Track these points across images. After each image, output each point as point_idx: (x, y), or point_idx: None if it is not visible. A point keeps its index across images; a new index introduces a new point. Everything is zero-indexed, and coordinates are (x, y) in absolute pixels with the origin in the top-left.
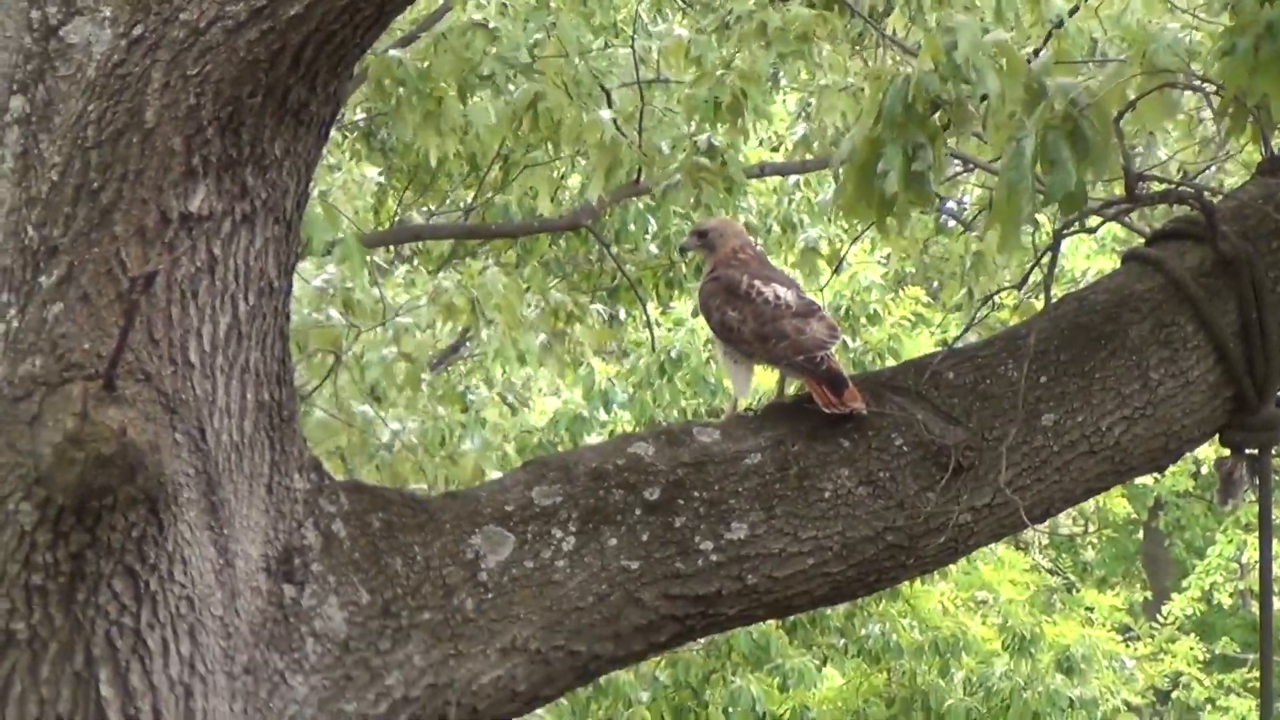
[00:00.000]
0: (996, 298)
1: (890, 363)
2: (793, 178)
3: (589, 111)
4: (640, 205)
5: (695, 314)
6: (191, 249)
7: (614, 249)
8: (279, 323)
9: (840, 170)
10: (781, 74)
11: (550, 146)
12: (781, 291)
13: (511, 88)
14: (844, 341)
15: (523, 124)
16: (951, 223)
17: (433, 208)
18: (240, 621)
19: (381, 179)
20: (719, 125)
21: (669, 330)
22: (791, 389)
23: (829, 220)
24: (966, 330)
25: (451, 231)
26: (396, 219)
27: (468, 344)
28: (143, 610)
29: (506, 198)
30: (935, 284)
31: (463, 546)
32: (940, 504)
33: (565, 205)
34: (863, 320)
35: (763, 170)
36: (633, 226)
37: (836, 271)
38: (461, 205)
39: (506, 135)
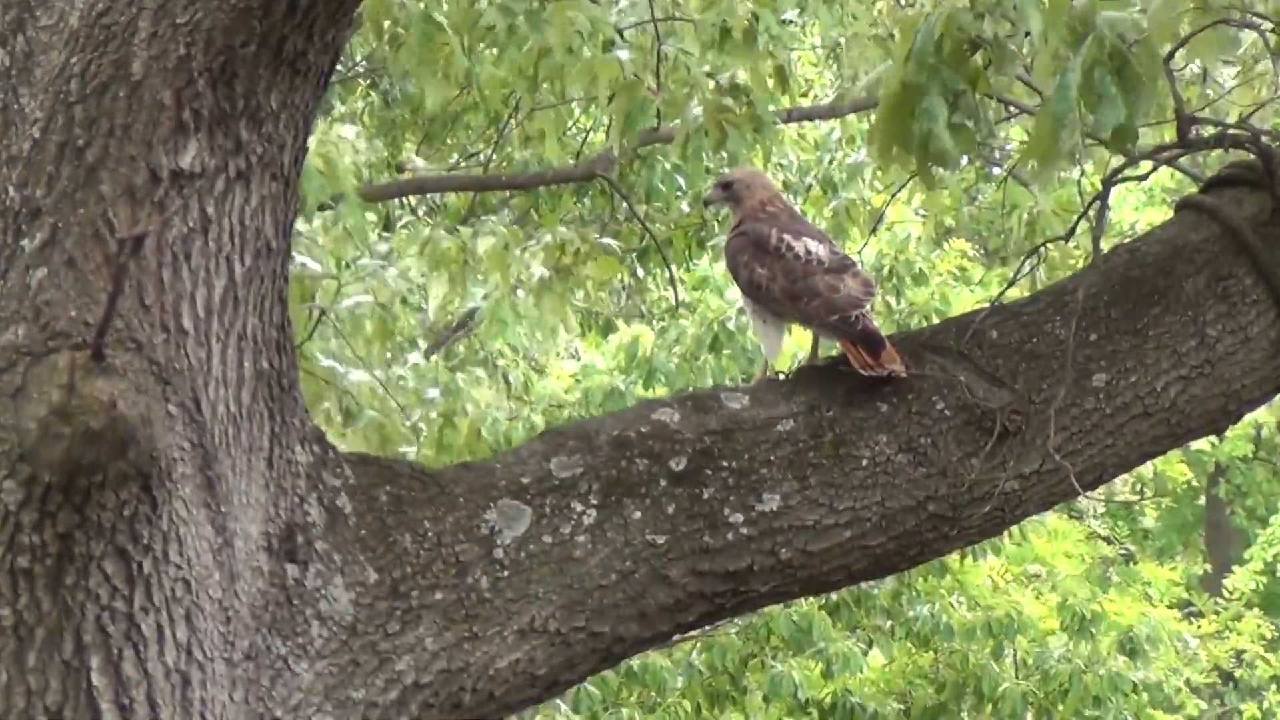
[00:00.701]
0: (1042, 250)
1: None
2: (835, 133)
3: (603, 51)
4: (669, 165)
5: (723, 274)
6: (183, 208)
7: (641, 208)
8: (277, 286)
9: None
10: (804, 14)
11: (558, 89)
12: (813, 246)
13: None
14: (888, 303)
15: (534, 71)
16: (995, 171)
17: (453, 161)
18: (240, 604)
19: (363, 134)
20: (734, 58)
21: (694, 290)
22: (826, 350)
23: (865, 182)
24: (1010, 285)
25: (458, 183)
26: (402, 173)
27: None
28: (136, 594)
29: (524, 154)
30: (980, 236)
31: (476, 521)
32: (985, 471)
33: (583, 156)
34: (907, 280)
35: (790, 115)
36: (662, 185)
37: (874, 231)
38: (481, 159)
39: (512, 84)
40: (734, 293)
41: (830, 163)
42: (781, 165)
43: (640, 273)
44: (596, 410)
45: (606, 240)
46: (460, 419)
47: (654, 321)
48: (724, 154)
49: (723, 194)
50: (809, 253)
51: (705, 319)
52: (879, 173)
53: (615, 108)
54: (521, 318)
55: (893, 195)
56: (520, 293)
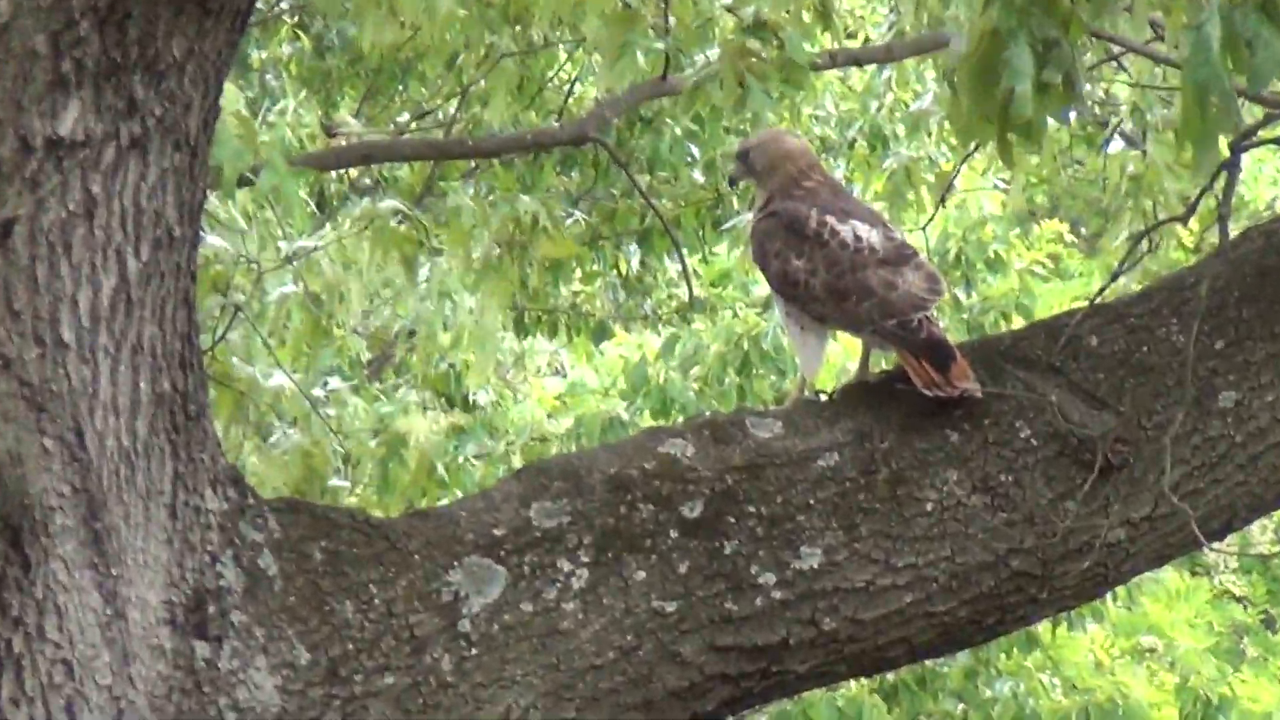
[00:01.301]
0: (1154, 234)
1: (1017, 324)
2: (886, 71)
3: None
4: (679, 130)
5: (747, 267)
6: (62, 186)
7: (643, 179)
8: (182, 285)
9: (954, 77)
10: None
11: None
12: (863, 230)
13: None
14: (955, 298)
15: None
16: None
17: (403, 123)
18: (136, 693)
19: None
20: None
21: (712, 287)
22: (879, 364)
23: (930, 136)
24: (1114, 278)
25: (413, 150)
26: (332, 137)
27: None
28: (3, 680)
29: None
30: (1078, 215)
31: (437, 585)
32: (1083, 516)
33: (568, 116)
34: (979, 266)
35: (834, 59)
36: (669, 153)
37: (941, 203)
38: (440, 117)
39: (477, 22)
40: (762, 289)
41: (879, 110)
42: (816, 118)
43: (638, 261)
44: (592, 445)
45: (574, 213)
46: (409, 452)
47: (660, 325)
48: (748, 114)
49: (741, 167)
50: (858, 238)
51: (730, 332)
52: (947, 125)
53: (605, 48)
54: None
55: (965, 157)
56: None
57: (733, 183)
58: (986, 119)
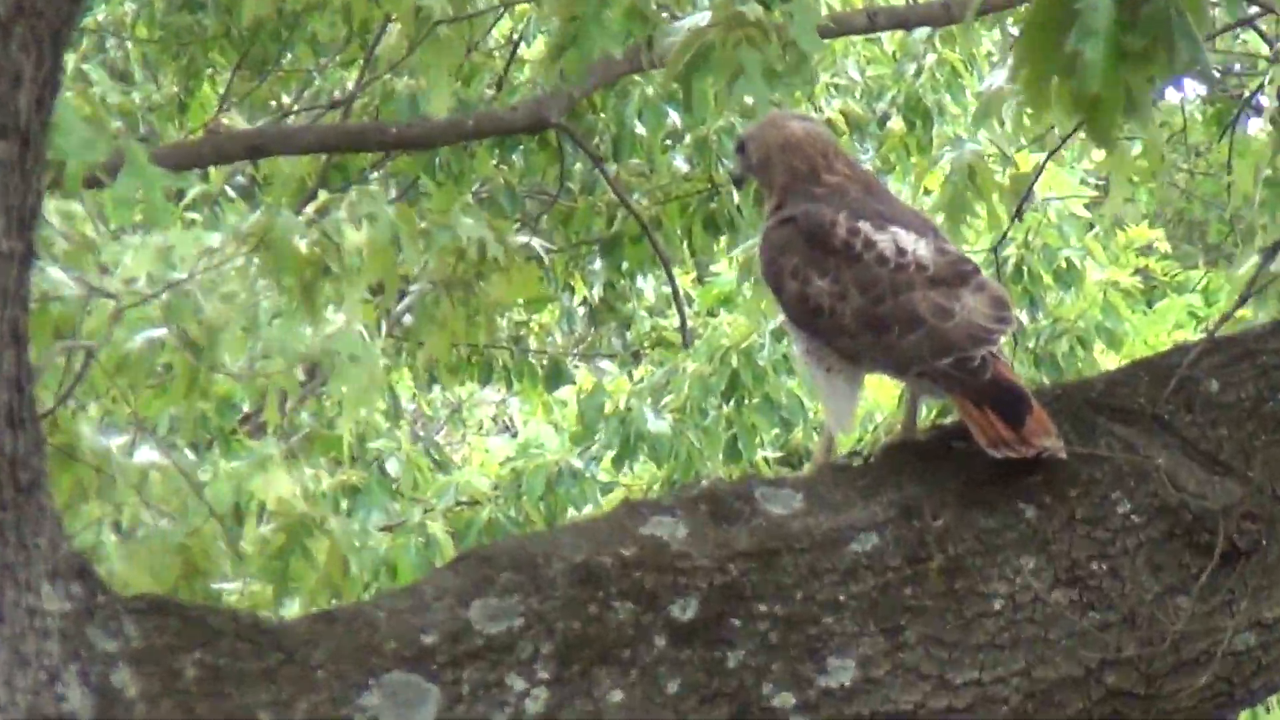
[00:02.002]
0: None
1: (1105, 359)
2: (919, 30)
3: None
4: (653, 89)
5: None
6: None
7: (611, 166)
8: (10, 315)
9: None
10: None
11: None
12: (908, 240)
13: None
14: (1019, 323)
15: None
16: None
17: (286, 103)
18: None
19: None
20: None
21: (708, 318)
22: (928, 416)
23: (1002, 125)
24: (1242, 303)
25: (318, 139)
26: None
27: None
28: None
29: (411, 85)
30: (1187, 218)
31: (347, 710)
32: (1200, 617)
33: (510, 92)
34: (1046, 281)
35: (874, 20)
36: (639, 127)
37: (1018, 215)
38: (337, 93)
39: None
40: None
41: (918, 75)
42: (836, 87)
43: (600, 284)
44: (536, 510)
45: (532, 242)
46: (315, 540)
47: (638, 365)
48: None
49: (741, 161)
50: (901, 251)
51: (713, 346)
52: (1026, 113)
53: (554, 10)
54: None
55: (1051, 152)
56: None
57: (738, 183)
58: (1054, 89)
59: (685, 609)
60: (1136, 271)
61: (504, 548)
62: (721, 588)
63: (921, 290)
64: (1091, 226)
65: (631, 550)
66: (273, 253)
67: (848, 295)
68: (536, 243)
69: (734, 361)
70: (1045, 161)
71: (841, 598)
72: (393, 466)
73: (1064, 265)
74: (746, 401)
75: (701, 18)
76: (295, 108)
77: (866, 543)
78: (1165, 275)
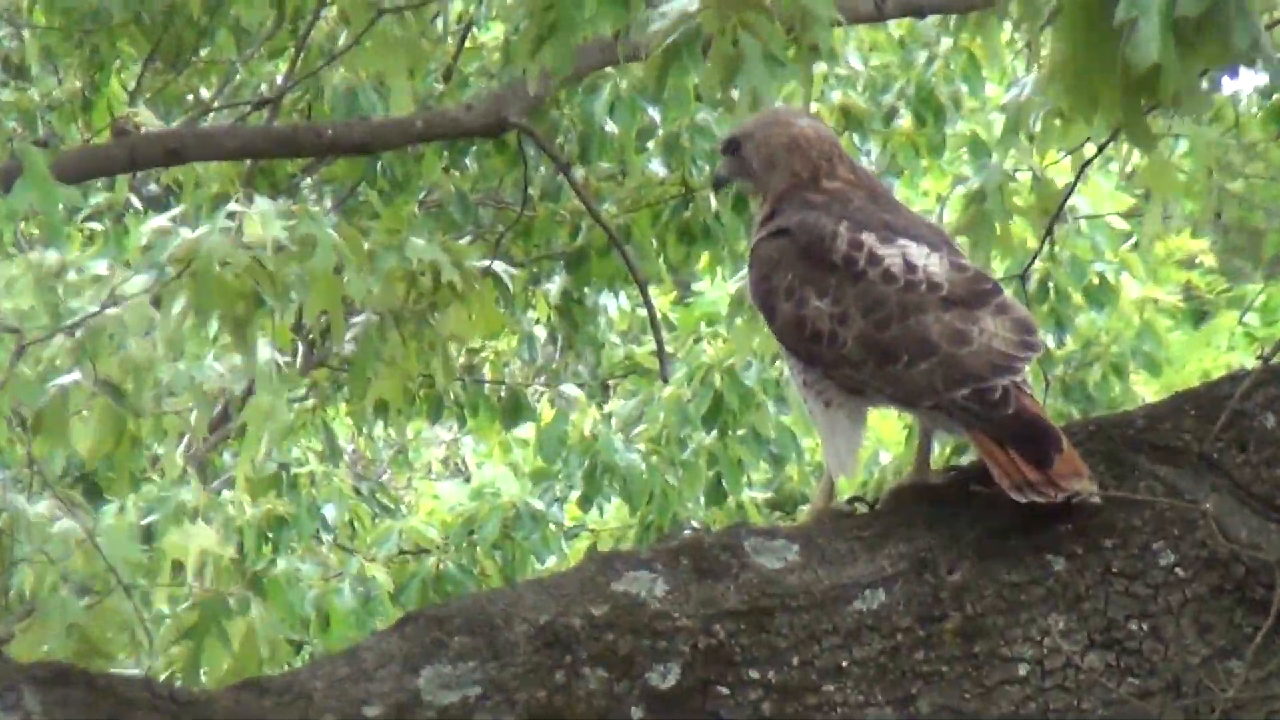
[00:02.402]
0: None
1: (1144, 388)
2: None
3: None
4: (625, 83)
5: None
6: None
7: (577, 170)
8: None
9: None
10: None
11: None
12: (918, 254)
13: None
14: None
15: None
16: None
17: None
18: None
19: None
20: None
21: (692, 343)
22: (942, 455)
23: (1031, 140)
24: None
25: (245, 142)
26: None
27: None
28: None
29: (347, 78)
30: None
31: None
32: (1255, 684)
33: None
34: (1076, 299)
35: (882, 8)
36: (608, 124)
37: (1049, 235)
38: (262, 89)
39: None
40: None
41: (930, 64)
42: (837, 78)
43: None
44: (491, 560)
45: (495, 266)
46: (233, 622)
47: (607, 400)
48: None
49: (730, 163)
50: (911, 267)
51: (693, 365)
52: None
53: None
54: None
55: (1085, 164)
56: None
57: (719, 185)
58: (1097, 91)
59: (665, 676)
60: (1181, 288)
61: (458, 607)
62: (706, 651)
63: (934, 312)
64: (1129, 236)
65: (603, 609)
66: (200, 283)
67: (850, 318)
68: (500, 266)
69: (717, 382)
70: (1079, 176)
71: (844, 663)
72: (330, 512)
73: (1096, 281)
74: (731, 432)
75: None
76: (216, 104)
77: (872, 601)
78: (1212, 291)
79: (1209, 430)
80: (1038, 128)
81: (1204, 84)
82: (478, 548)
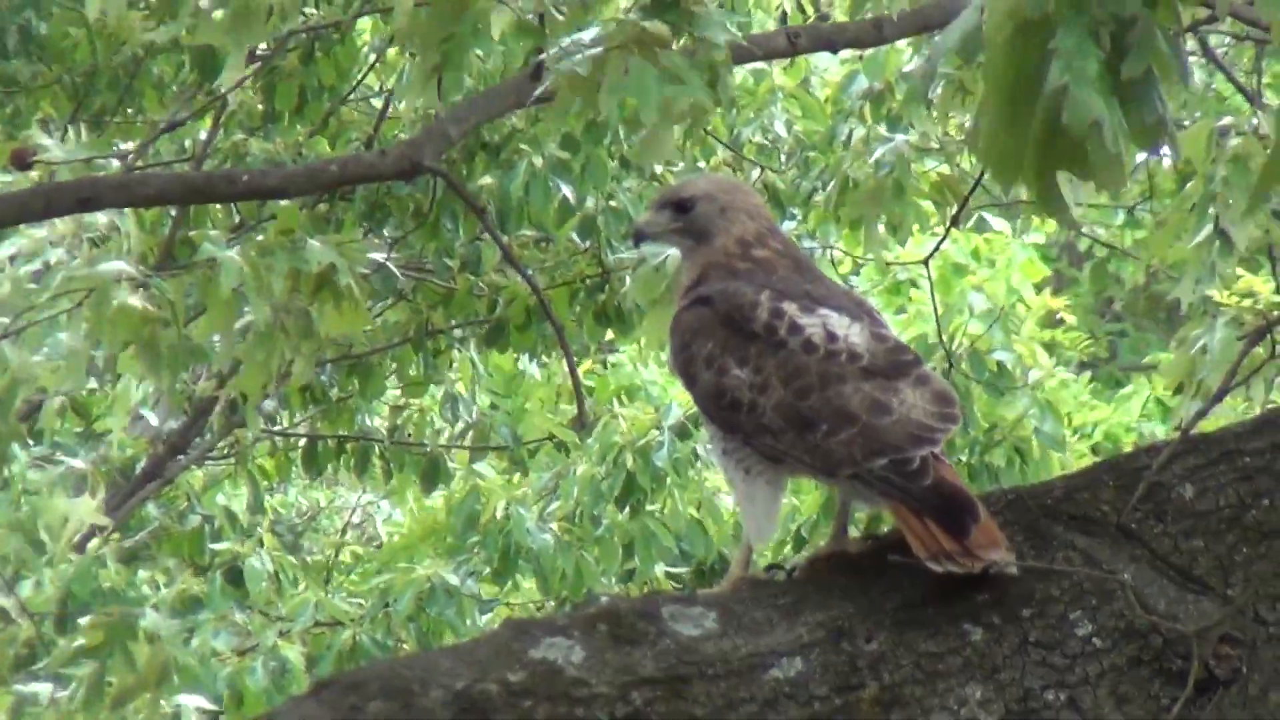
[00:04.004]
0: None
1: (1043, 466)
2: (861, 82)
3: None
4: (539, 161)
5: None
6: None
7: (503, 234)
8: None
9: (935, 81)
10: None
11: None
12: (839, 324)
13: None
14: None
15: None
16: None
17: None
18: None
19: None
20: None
21: (609, 417)
22: (860, 526)
23: (931, 111)
24: (1220, 398)
25: (159, 190)
26: (25, 167)
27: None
28: None
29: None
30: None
31: None
32: None
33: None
34: (962, 348)
35: (794, 41)
36: (527, 196)
37: (954, 224)
38: (186, 142)
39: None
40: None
41: (849, 138)
42: (760, 149)
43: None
44: (405, 631)
45: (389, 263)
46: (137, 646)
47: (531, 459)
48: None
49: (674, 220)
50: (832, 337)
51: (607, 444)
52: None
53: (422, 44)
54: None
55: (970, 193)
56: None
57: (640, 239)
58: (1022, 150)
59: None
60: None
61: (374, 673)
62: (624, 719)
63: (854, 382)
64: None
65: (520, 676)
66: (100, 311)
67: (770, 387)
68: (393, 267)
69: (629, 462)
70: (978, 183)
71: None
72: (255, 564)
73: (995, 369)
74: (643, 509)
75: (590, 34)
76: (139, 164)
77: (789, 669)
78: (1074, 347)
79: (1127, 501)
80: (938, 95)
81: (1124, 158)
82: (392, 620)
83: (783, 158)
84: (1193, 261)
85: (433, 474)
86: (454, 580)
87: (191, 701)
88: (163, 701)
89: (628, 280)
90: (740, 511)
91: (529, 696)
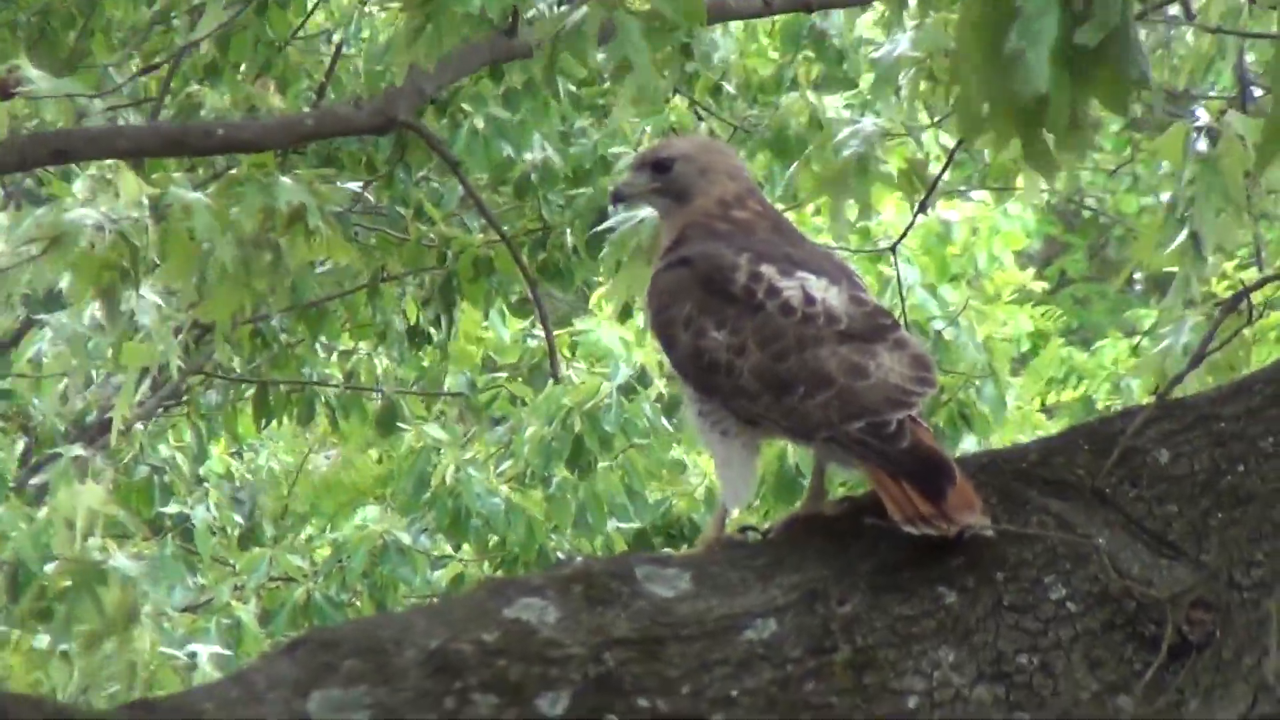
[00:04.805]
0: (1254, 296)
1: (1019, 433)
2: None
3: None
4: (481, 121)
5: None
6: None
7: (475, 182)
8: None
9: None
10: None
11: None
12: (817, 287)
13: None
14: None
15: None
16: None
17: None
18: None
19: None
20: None
21: (588, 370)
22: (836, 489)
23: (899, 95)
24: (1196, 363)
25: (134, 141)
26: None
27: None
28: None
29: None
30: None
31: None
32: (1146, 718)
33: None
34: (928, 320)
35: (770, 5)
36: (476, 150)
37: (923, 210)
38: (145, 84)
39: None
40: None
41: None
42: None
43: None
44: (360, 586)
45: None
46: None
47: (487, 412)
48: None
49: (652, 180)
50: (810, 300)
51: (554, 405)
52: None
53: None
54: None
55: (955, 147)
56: None
57: (619, 199)
58: (998, 113)
59: (555, 704)
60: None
61: (348, 631)
62: (597, 680)
63: (831, 345)
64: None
65: (494, 635)
66: (62, 253)
67: (747, 349)
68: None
69: (577, 425)
70: (949, 163)
71: (734, 693)
72: (202, 515)
73: (931, 339)
74: (593, 469)
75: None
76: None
77: (763, 631)
78: (1050, 319)
79: (1102, 465)
80: (905, 84)
81: (1091, 120)
82: (345, 575)
83: (730, 90)
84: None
85: (388, 419)
86: (406, 539)
87: (206, 650)
88: (178, 652)
89: (567, 235)
90: (717, 474)
91: (503, 656)
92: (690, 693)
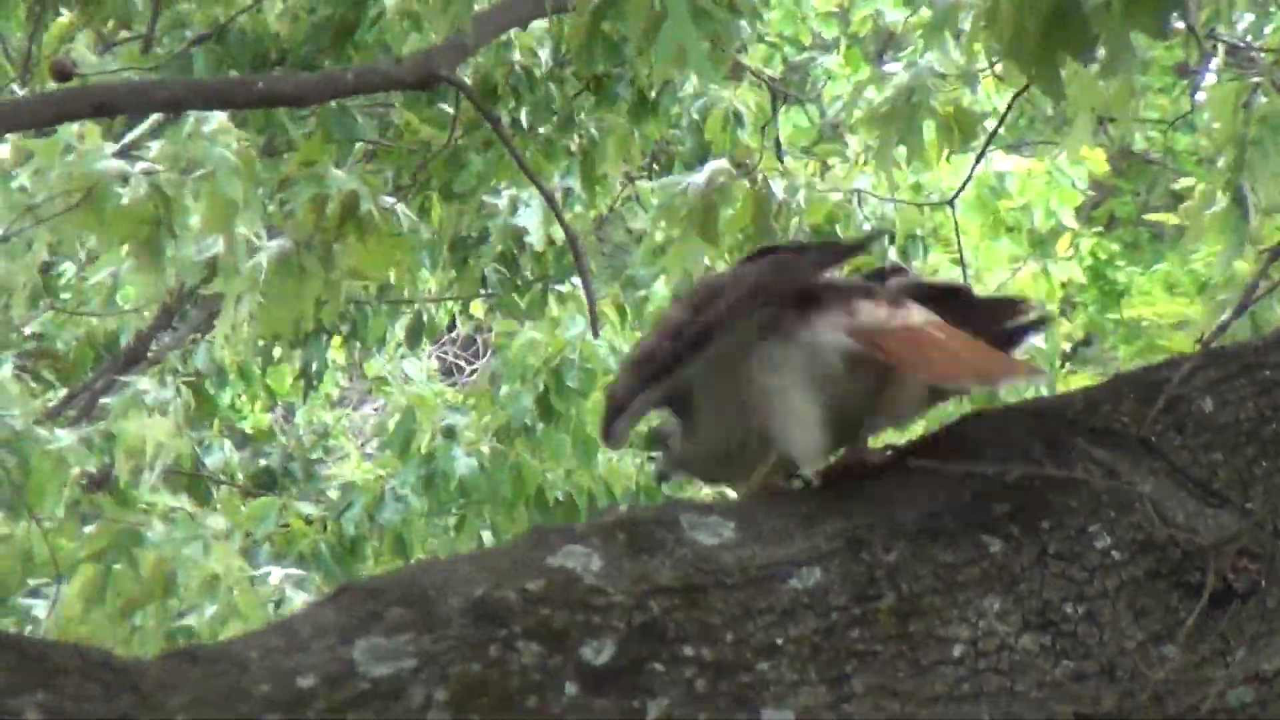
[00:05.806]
0: None
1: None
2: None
3: None
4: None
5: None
6: None
7: (520, 141)
8: None
9: None
10: None
11: None
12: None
13: None
14: None
15: None
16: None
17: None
18: None
19: None
20: None
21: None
22: (877, 439)
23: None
24: (1241, 313)
25: (173, 95)
26: (65, 78)
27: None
28: None
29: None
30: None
31: None
32: (1189, 667)
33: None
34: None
35: None
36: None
37: (978, 163)
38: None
39: None
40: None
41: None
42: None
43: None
44: (358, 526)
45: (397, 207)
46: (143, 552)
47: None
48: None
49: None
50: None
51: (521, 365)
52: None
53: None
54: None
55: (1017, 94)
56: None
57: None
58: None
59: (599, 652)
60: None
61: (392, 580)
62: (641, 628)
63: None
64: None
65: (538, 584)
66: (96, 210)
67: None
68: (401, 209)
69: (540, 385)
70: (1010, 108)
71: (779, 641)
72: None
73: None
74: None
75: None
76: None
77: (808, 579)
78: (1104, 255)
79: (1147, 414)
80: (966, 27)
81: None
82: (343, 527)
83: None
84: (1216, 231)
85: (418, 329)
86: (401, 490)
87: (278, 572)
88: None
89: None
90: (779, 425)
91: (546, 604)
92: (734, 641)
